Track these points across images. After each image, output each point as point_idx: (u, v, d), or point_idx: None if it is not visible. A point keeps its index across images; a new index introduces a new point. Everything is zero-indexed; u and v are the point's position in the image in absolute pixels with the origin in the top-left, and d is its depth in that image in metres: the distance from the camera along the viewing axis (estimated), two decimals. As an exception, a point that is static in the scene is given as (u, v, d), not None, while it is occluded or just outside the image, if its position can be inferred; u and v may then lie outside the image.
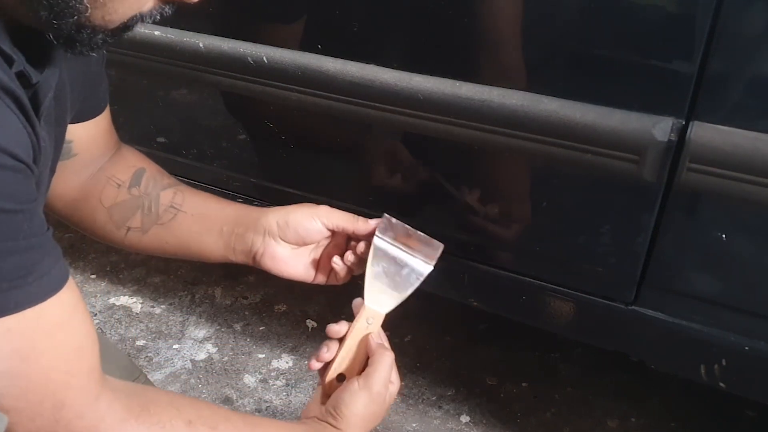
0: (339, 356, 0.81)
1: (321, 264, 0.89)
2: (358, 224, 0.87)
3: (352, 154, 1.08)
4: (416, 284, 0.84)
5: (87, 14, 0.55)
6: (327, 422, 0.79)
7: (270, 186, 1.17)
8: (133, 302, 1.58)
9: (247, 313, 1.55)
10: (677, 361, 0.93)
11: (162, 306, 1.57)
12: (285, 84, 1.00)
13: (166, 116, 1.22)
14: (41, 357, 0.57)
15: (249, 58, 1.01)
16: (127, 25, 0.59)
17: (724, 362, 0.87)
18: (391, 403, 0.83)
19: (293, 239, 0.87)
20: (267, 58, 1.00)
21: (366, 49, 0.95)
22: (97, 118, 0.86)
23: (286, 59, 0.99)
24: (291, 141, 1.08)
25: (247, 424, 0.71)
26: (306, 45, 0.98)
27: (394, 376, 0.83)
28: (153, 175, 0.91)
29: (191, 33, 1.07)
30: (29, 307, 0.56)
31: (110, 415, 0.61)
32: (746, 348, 0.84)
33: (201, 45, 1.05)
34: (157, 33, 1.08)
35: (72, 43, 0.58)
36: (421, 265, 0.84)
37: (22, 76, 0.56)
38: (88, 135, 0.85)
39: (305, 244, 0.89)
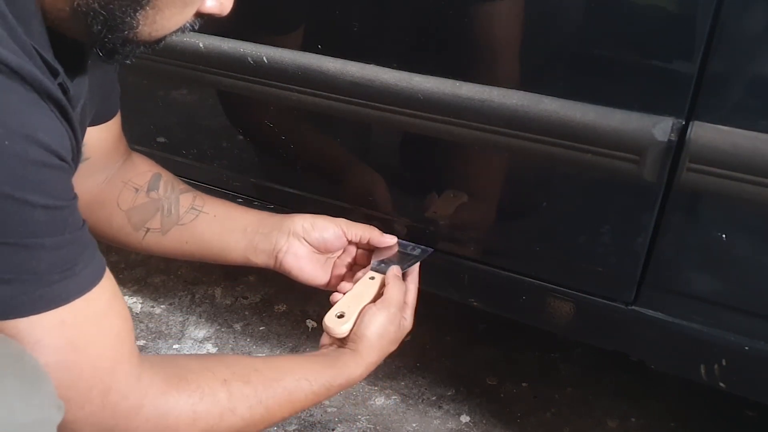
0: (344, 299, 0.90)
1: (333, 272, 0.97)
2: (374, 233, 0.96)
3: (352, 155, 1.08)
4: (420, 258, 0.97)
5: (136, 30, 0.59)
6: (347, 348, 0.85)
7: (270, 186, 1.17)
8: (133, 302, 1.58)
9: (247, 313, 1.56)
10: (677, 361, 0.93)
11: (162, 306, 1.57)
12: (285, 84, 1.00)
13: (166, 116, 1.23)
14: (90, 346, 0.60)
15: (249, 58, 1.01)
16: (165, 38, 0.63)
17: (724, 362, 0.87)
18: (403, 335, 0.90)
19: (316, 242, 0.93)
20: (267, 58, 1.00)
21: (366, 49, 0.95)
22: (109, 122, 0.88)
23: (286, 59, 0.99)
24: (291, 141, 1.08)
25: (273, 369, 0.75)
26: (306, 45, 0.98)
27: (408, 313, 0.90)
28: (170, 179, 0.95)
29: (191, 33, 1.07)
30: (78, 296, 0.58)
31: (152, 390, 0.64)
32: (746, 348, 0.84)
33: (201, 45, 1.05)
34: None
35: (113, 54, 0.61)
36: (423, 246, 0.99)
37: (60, 87, 0.58)
38: (100, 139, 0.87)
39: (326, 249, 0.95)
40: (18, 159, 0.52)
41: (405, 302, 0.90)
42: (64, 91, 0.59)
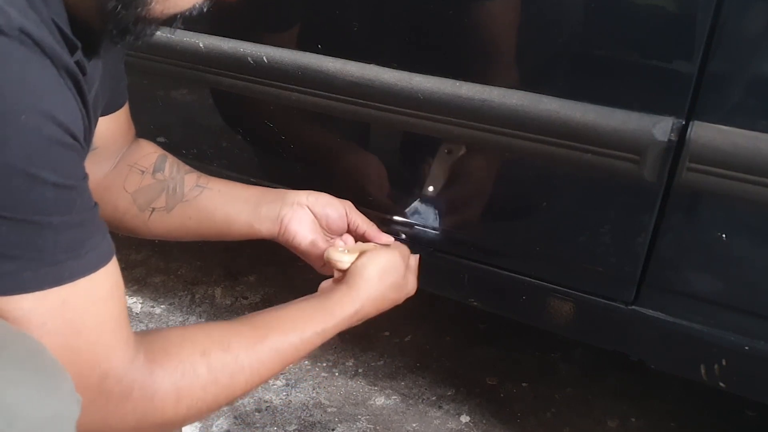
0: (348, 245, 0.92)
1: None
2: (373, 228, 0.95)
3: (352, 155, 1.08)
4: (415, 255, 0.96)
5: (149, 6, 0.58)
6: (343, 284, 0.85)
7: (270, 186, 1.17)
8: (133, 302, 1.58)
9: (247, 313, 1.55)
10: (677, 361, 0.93)
11: (162, 306, 1.57)
12: (285, 84, 1.00)
13: (166, 116, 1.23)
14: (90, 330, 0.59)
15: (249, 58, 1.01)
16: (175, 19, 0.62)
17: (724, 362, 0.87)
18: (405, 293, 0.90)
19: (319, 215, 0.93)
20: (267, 58, 1.00)
21: (366, 49, 0.95)
22: (118, 112, 0.88)
23: (286, 59, 0.99)
24: (291, 141, 1.08)
25: (256, 328, 0.75)
26: (306, 45, 0.98)
27: (411, 277, 0.91)
28: (175, 161, 0.95)
29: (191, 33, 1.07)
30: (83, 276, 0.58)
31: (141, 372, 0.63)
32: (746, 348, 0.84)
33: (201, 45, 1.05)
34: (157, 33, 1.08)
35: (124, 33, 0.60)
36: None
37: (77, 65, 0.58)
38: (108, 129, 0.87)
39: (327, 226, 0.94)
40: (33, 135, 0.52)
41: (407, 265, 0.91)
42: (82, 69, 0.59)
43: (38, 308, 0.56)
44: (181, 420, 0.66)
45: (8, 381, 0.48)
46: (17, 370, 0.50)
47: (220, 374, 0.69)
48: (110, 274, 0.62)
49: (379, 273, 0.85)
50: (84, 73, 0.59)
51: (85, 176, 0.60)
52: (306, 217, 0.92)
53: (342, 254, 0.87)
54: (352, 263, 0.87)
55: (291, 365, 0.77)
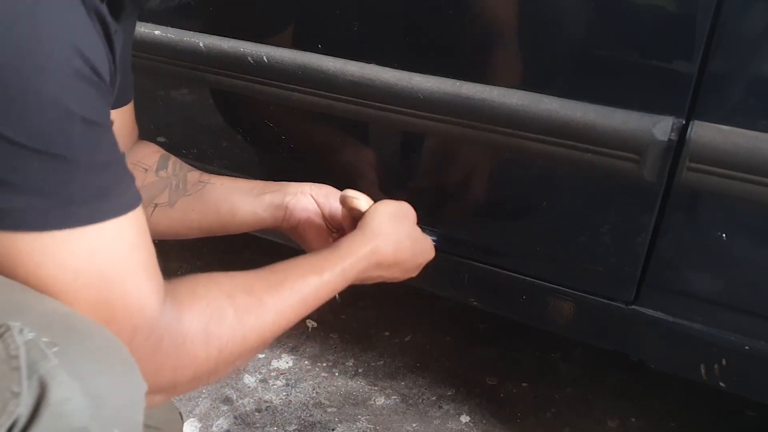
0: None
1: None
2: None
3: (352, 155, 1.08)
4: None
5: None
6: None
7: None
8: (133, 302, 1.58)
9: (247, 313, 1.55)
10: (677, 361, 0.93)
11: (162, 306, 1.57)
12: (285, 84, 1.00)
13: (166, 116, 1.23)
14: (121, 280, 0.58)
15: (249, 58, 1.01)
16: None
17: (724, 362, 0.87)
18: (421, 250, 0.89)
19: (323, 203, 0.93)
20: (267, 58, 1.00)
21: (366, 49, 0.95)
22: (123, 109, 0.88)
23: (286, 59, 0.99)
24: (291, 140, 1.09)
25: (276, 273, 0.74)
26: (306, 44, 0.98)
27: (428, 239, 0.91)
28: (177, 160, 0.95)
29: (191, 33, 1.07)
30: (111, 218, 0.57)
31: (170, 318, 0.62)
32: (746, 348, 0.84)
33: (201, 45, 1.05)
34: (157, 33, 1.08)
35: None
36: None
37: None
38: (115, 123, 0.87)
39: (330, 216, 0.94)
40: (65, 66, 0.52)
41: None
42: (109, 16, 0.59)
43: (69, 259, 0.55)
44: (213, 366, 0.65)
45: (97, 369, 0.50)
46: (102, 359, 0.51)
47: (246, 315, 0.68)
48: (138, 219, 0.61)
49: (390, 213, 0.85)
50: (114, 30, 0.59)
51: (112, 122, 0.59)
52: (310, 205, 0.93)
53: (358, 196, 0.87)
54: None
55: (314, 309, 0.76)
